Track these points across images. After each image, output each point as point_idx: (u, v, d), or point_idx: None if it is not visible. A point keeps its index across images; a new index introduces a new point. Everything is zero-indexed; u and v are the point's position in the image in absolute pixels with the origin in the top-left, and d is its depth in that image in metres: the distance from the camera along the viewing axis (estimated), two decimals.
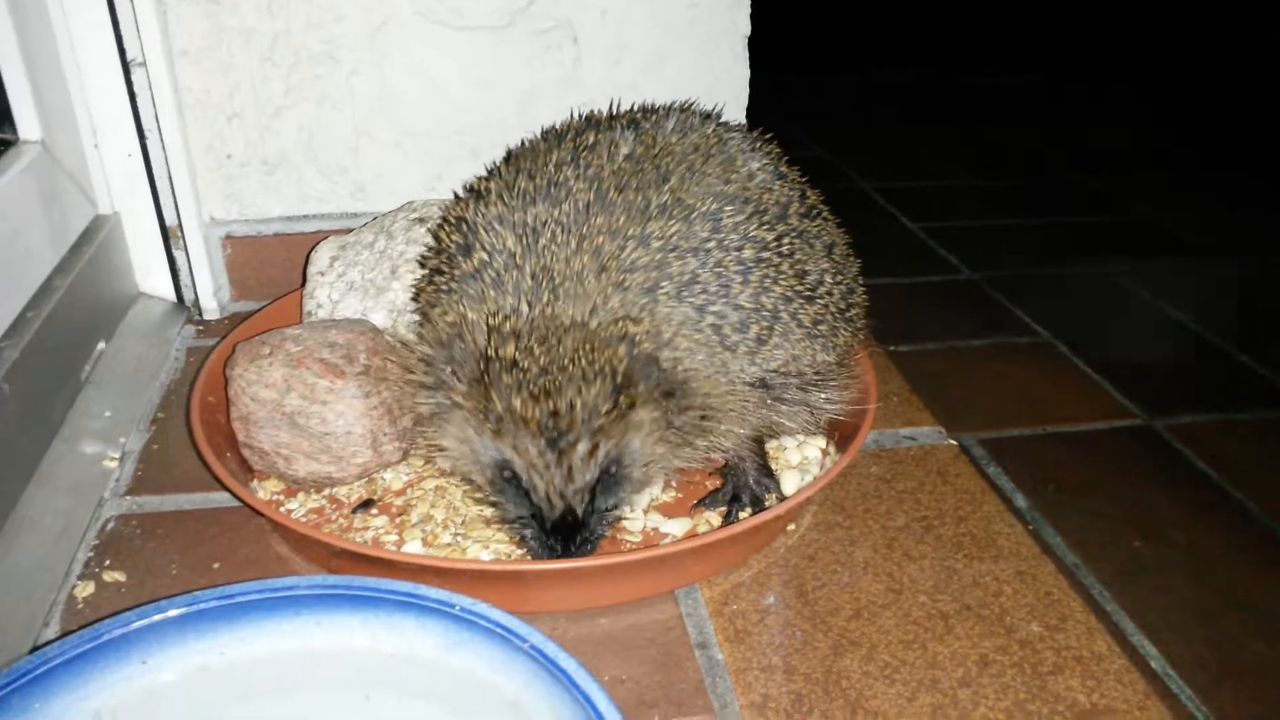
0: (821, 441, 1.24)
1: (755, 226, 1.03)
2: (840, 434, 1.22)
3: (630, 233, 0.97)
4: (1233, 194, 2.80)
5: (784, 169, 1.15)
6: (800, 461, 1.22)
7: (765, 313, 1.01)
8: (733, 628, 1.00)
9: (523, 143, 1.19)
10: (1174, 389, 1.70)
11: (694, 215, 1.00)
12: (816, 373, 1.08)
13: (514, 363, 0.92)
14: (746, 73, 1.64)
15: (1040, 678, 0.94)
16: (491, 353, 0.93)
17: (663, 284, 0.96)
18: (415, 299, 1.16)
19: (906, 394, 1.41)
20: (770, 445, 1.22)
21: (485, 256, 1.00)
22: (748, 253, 1.02)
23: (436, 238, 1.11)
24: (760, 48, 1.64)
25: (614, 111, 1.18)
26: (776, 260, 1.03)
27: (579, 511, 0.97)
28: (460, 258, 1.02)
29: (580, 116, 1.18)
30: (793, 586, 1.05)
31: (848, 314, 1.13)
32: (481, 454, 0.99)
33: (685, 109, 1.16)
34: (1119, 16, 4.64)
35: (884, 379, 1.42)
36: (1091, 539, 1.31)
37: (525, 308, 0.95)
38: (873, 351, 1.26)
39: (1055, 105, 3.76)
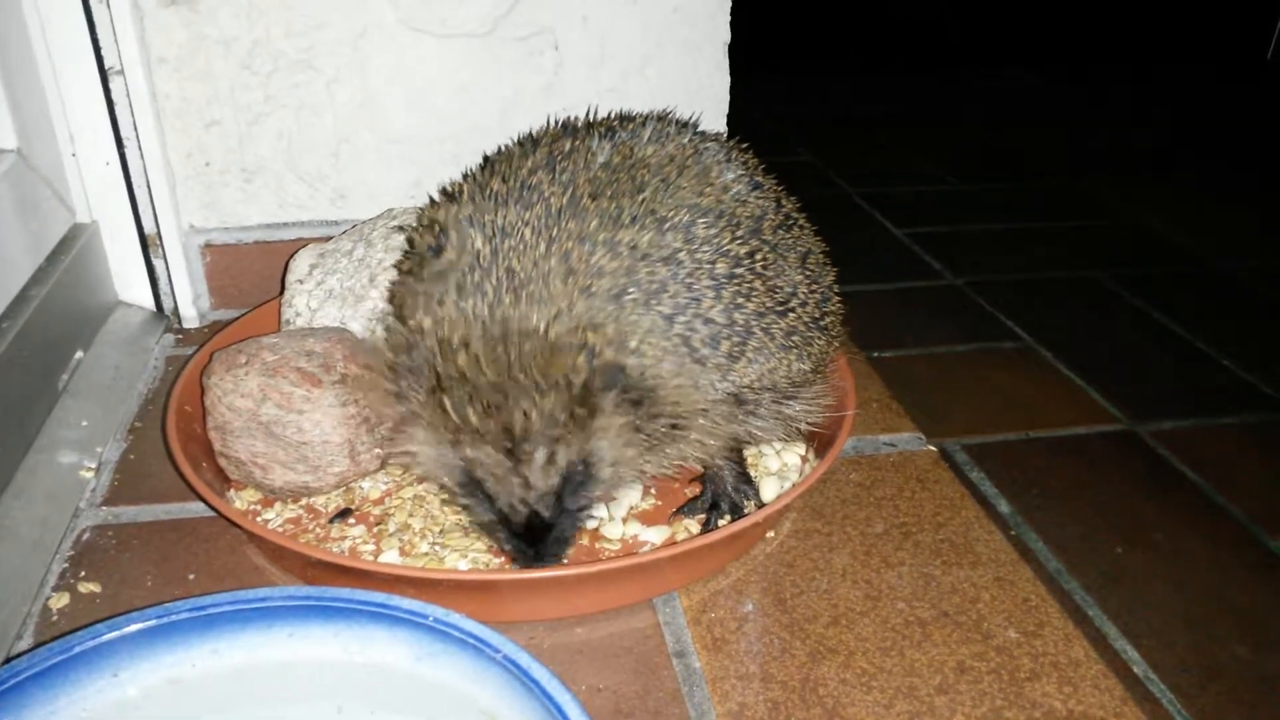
0: (801, 448, 1.24)
1: (728, 240, 1.02)
2: (820, 441, 1.22)
3: (600, 238, 0.96)
4: (1222, 197, 2.81)
5: (760, 179, 1.14)
6: (779, 468, 1.22)
7: (738, 328, 1.00)
8: (710, 636, 0.99)
9: (500, 149, 1.18)
10: (1157, 393, 1.70)
11: (666, 225, 0.99)
12: (792, 384, 1.07)
13: (464, 375, 0.91)
14: (727, 80, 1.64)
15: (1017, 684, 0.94)
16: (440, 368, 0.92)
17: (630, 290, 0.95)
18: (390, 300, 1.15)
19: (887, 400, 1.41)
20: (749, 452, 1.22)
21: (453, 257, 0.99)
22: (720, 267, 1.00)
23: (411, 240, 1.10)
24: (749, 53, 1.65)
25: (591, 119, 1.17)
26: (749, 277, 1.02)
27: (545, 515, 0.97)
28: (431, 258, 1.01)
29: (557, 123, 1.17)
30: (771, 594, 1.05)
31: (821, 322, 1.12)
32: (446, 460, 0.99)
33: (662, 118, 1.15)
34: (1110, 19, 4.66)
35: (864, 385, 1.42)
36: (1074, 544, 1.32)
37: (485, 310, 0.93)
38: (853, 358, 1.25)
39: (1045, 109, 3.77)
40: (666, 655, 0.97)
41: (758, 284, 1.02)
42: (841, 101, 3.76)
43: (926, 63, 4.33)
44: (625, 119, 1.15)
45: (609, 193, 1.00)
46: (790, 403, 1.09)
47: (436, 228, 1.03)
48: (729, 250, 1.01)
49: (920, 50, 4.52)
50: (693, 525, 1.13)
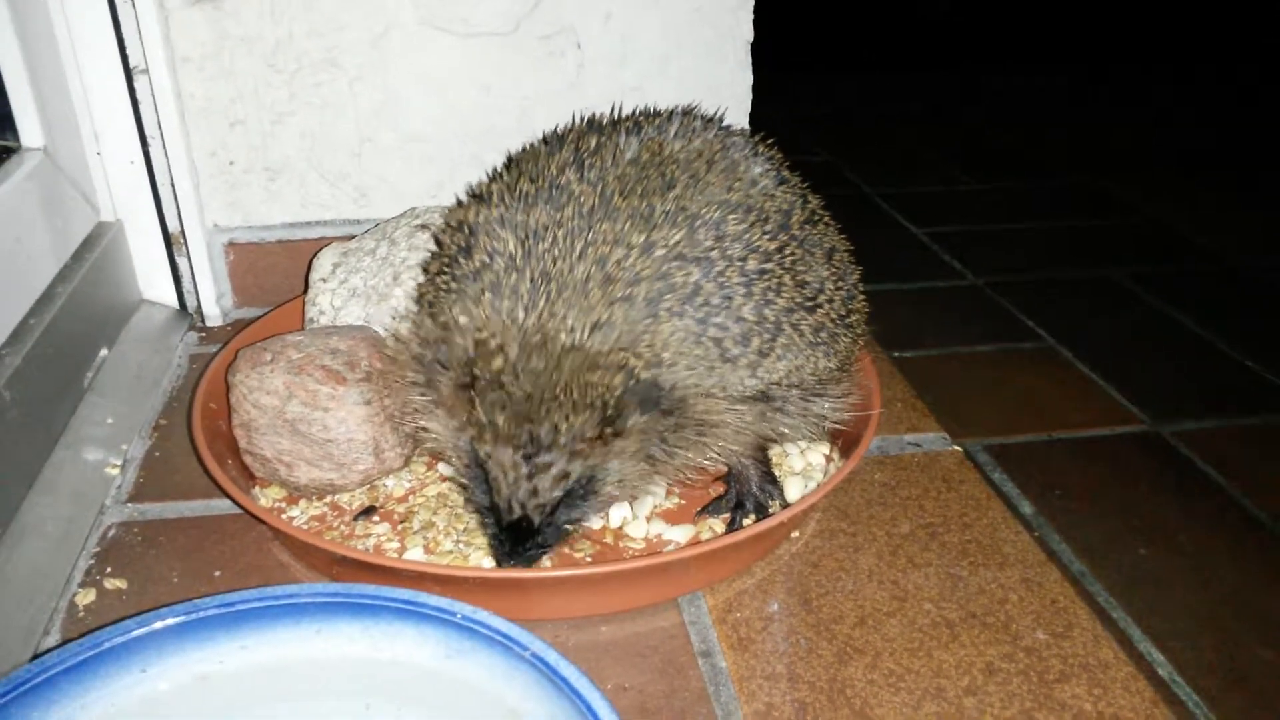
0: (825, 448, 1.24)
1: (758, 236, 1.02)
2: (844, 440, 1.21)
3: (634, 240, 0.96)
4: (1245, 196, 2.79)
5: (785, 174, 1.14)
6: (804, 468, 1.21)
7: (768, 325, 1.00)
8: (736, 635, 0.99)
9: (524, 147, 1.18)
10: (1179, 394, 1.70)
11: (698, 223, 0.99)
12: (819, 381, 1.07)
13: (499, 382, 0.91)
14: (749, 78, 1.63)
15: (1046, 686, 0.94)
16: (477, 370, 0.92)
17: (666, 297, 0.95)
18: (417, 300, 1.15)
19: (910, 400, 1.41)
20: (774, 452, 1.22)
21: (485, 258, 0.99)
22: (751, 264, 1.00)
23: (439, 241, 1.11)
24: (768, 52, 1.64)
25: (616, 116, 1.17)
26: (779, 272, 1.02)
27: (535, 521, 0.97)
28: (461, 259, 1.02)
29: (582, 120, 1.17)
30: (796, 594, 1.05)
31: (848, 320, 1.12)
32: (459, 443, 0.99)
33: (688, 113, 1.15)
34: (1133, 18, 4.63)
35: (888, 385, 1.42)
36: (1097, 546, 1.31)
37: (520, 314, 0.93)
38: (876, 357, 1.25)
39: (1063, 108, 3.75)
40: (692, 655, 0.97)
41: (787, 279, 1.02)
42: (859, 100, 3.75)
43: (945, 62, 4.31)
44: (650, 115, 1.15)
45: (640, 190, 1.00)
46: (817, 400, 1.09)
47: (466, 229, 1.03)
48: (759, 246, 1.01)
49: (939, 49, 4.51)
50: (717, 525, 1.13)
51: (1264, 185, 2.89)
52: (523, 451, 0.93)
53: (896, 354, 1.74)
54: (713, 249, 0.99)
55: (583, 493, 0.98)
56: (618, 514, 1.12)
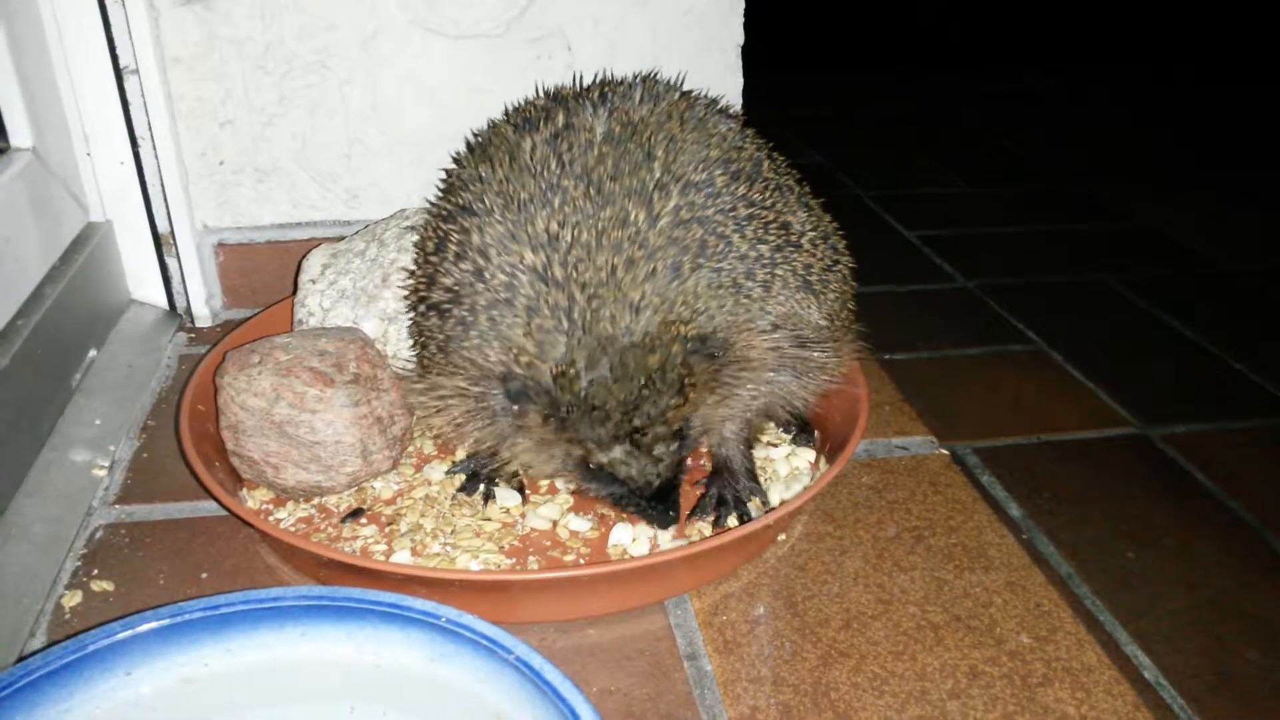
0: (811, 453, 1.24)
1: (742, 186, 1.09)
2: (831, 444, 1.22)
3: (638, 218, 1.00)
4: (1236, 202, 2.80)
5: (743, 127, 1.20)
6: (790, 471, 1.21)
7: (764, 260, 1.07)
8: (722, 639, 0.99)
9: (490, 130, 1.18)
10: (1169, 397, 1.70)
11: (689, 186, 1.05)
12: (815, 331, 1.13)
13: (594, 406, 0.96)
14: (740, 81, 1.64)
15: (1030, 689, 0.94)
16: (569, 397, 0.96)
17: (682, 258, 1.01)
18: (420, 335, 1.13)
19: (899, 403, 1.41)
20: (760, 456, 1.22)
21: (505, 278, 0.99)
22: (740, 211, 1.07)
23: (437, 271, 1.08)
24: (759, 54, 1.64)
25: (579, 88, 1.18)
26: (764, 214, 1.09)
27: (670, 477, 1.04)
28: (476, 284, 1.02)
29: (544, 95, 1.18)
30: (782, 597, 1.05)
31: (835, 268, 1.18)
32: (558, 455, 1.04)
33: (647, 79, 1.18)
34: (1128, 23, 4.64)
35: (876, 388, 1.42)
36: (1085, 549, 1.31)
37: (570, 325, 0.96)
38: (865, 360, 1.25)
39: (1056, 111, 3.75)
40: (678, 657, 0.97)
41: (770, 217, 1.10)
42: (852, 103, 3.75)
43: (939, 64, 4.32)
44: (613, 84, 1.16)
45: (626, 168, 1.04)
46: (814, 347, 1.14)
47: (469, 250, 1.03)
48: (743, 195, 1.09)
49: (933, 51, 4.51)
50: (705, 527, 1.13)
51: (1256, 190, 2.90)
52: (631, 440, 0.99)
53: (886, 357, 1.75)
54: (707, 205, 1.05)
55: (684, 434, 1.04)
56: (624, 535, 1.11)
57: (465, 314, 1.03)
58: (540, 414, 0.99)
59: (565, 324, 0.96)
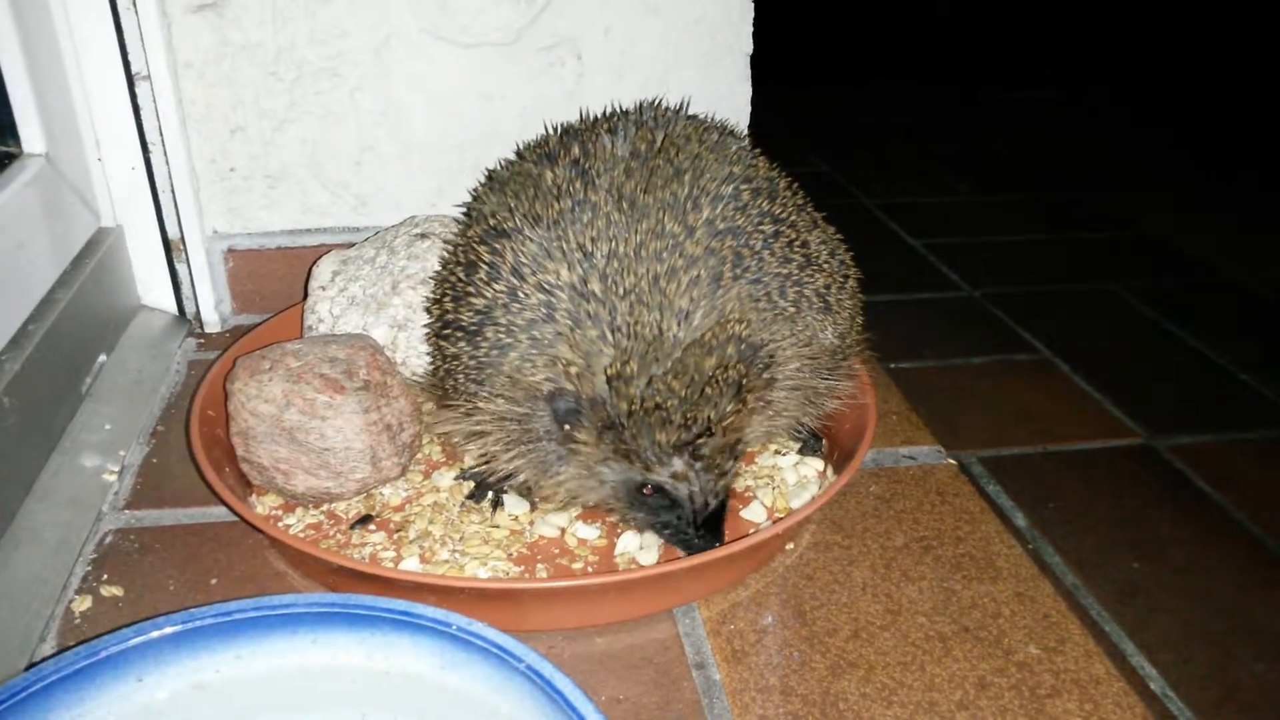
0: (819, 462, 1.24)
1: (765, 202, 1.09)
2: (839, 453, 1.22)
3: (673, 229, 1.00)
4: (1243, 212, 2.80)
5: (753, 150, 1.20)
6: (798, 480, 1.22)
7: (792, 279, 1.07)
8: (730, 648, 0.99)
9: (500, 165, 1.19)
10: (1175, 408, 1.70)
11: (717, 200, 1.05)
12: (831, 352, 1.13)
13: (656, 405, 0.94)
14: (749, 90, 1.64)
15: (1038, 700, 0.94)
16: (626, 403, 0.94)
17: (722, 268, 1.01)
18: (445, 361, 1.10)
19: (906, 412, 1.41)
20: (768, 464, 1.22)
21: (544, 296, 0.99)
22: (767, 227, 1.07)
23: (466, 293, 1.07)
24: (766, 63, 1.65)
25: (588, 122, 1.19)
26: (788, 232, 1.09)
27: (723, 499, 1.02)
28: (511, 304, 1.01)
29: (555, 131, 1.19)
30: (791, 606, 1.05)
31: (845, 285, 1.18)
32: (609, 480, 1.02)
33: (654, 105, 1.19)
34: (1137, 35, 4.64)
35: (883, 397, 1.42)
36: (1091, 559, 1.32)
37: (610, 334, 0.96)
38: (872, 369, 1.25)
39: (1062, 120, 3.76)
40: (686, 666, 0.97)
41: (792, 234, 1.10)
42: (858, 113, 3.75)
43: (945, 74, 4.32)
44: (621, 114, 1.18)
45: (657, 182, 1.04)
46: (832, 378, 1.15)
47: (502, 272, 1.03)
48: (768, 210, 1.09)
49: (939, 61, 4.51)
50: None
51: (1262, 200, 2.90)
52: (690, 451, 0.97)
53: (893, 365, 1.75)
54: (736, 218, 1.05)
55: (736, 454, 1.03)
56: (631, 543, 1.11)
57: (502, 335, 1.02)
58: (593, 429, 0.98)
59: (610, 335, 0.96)
